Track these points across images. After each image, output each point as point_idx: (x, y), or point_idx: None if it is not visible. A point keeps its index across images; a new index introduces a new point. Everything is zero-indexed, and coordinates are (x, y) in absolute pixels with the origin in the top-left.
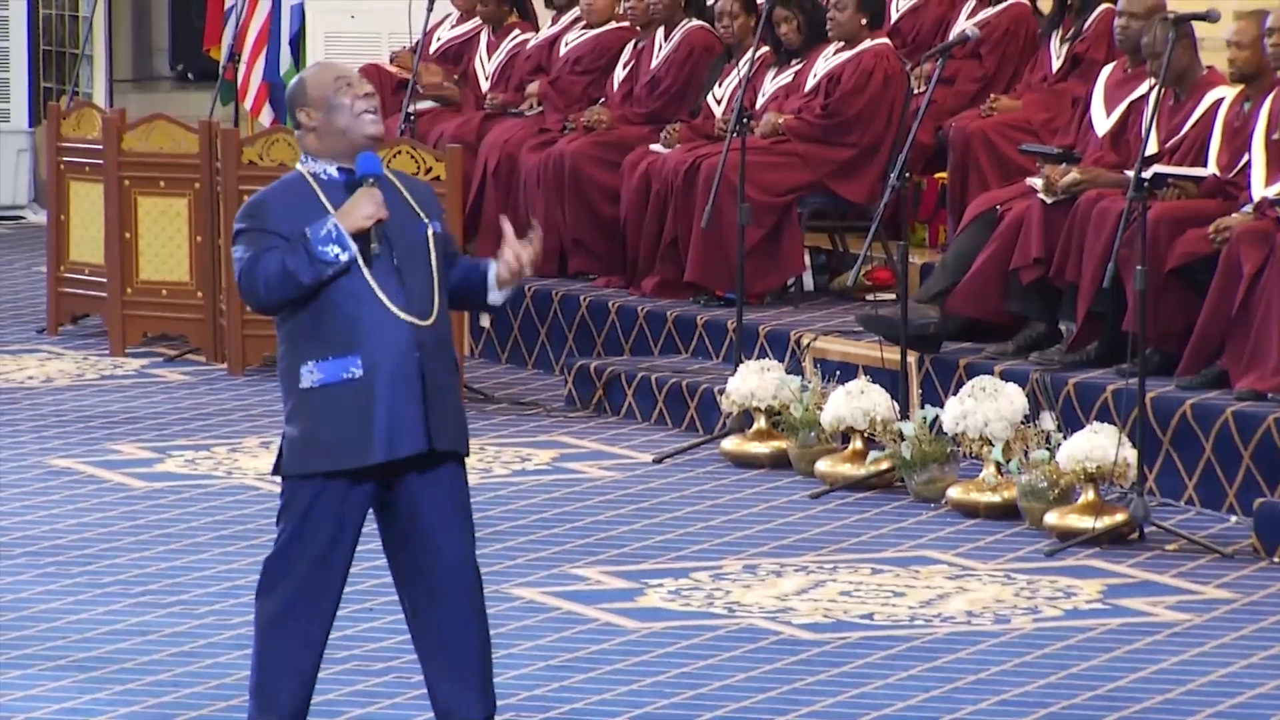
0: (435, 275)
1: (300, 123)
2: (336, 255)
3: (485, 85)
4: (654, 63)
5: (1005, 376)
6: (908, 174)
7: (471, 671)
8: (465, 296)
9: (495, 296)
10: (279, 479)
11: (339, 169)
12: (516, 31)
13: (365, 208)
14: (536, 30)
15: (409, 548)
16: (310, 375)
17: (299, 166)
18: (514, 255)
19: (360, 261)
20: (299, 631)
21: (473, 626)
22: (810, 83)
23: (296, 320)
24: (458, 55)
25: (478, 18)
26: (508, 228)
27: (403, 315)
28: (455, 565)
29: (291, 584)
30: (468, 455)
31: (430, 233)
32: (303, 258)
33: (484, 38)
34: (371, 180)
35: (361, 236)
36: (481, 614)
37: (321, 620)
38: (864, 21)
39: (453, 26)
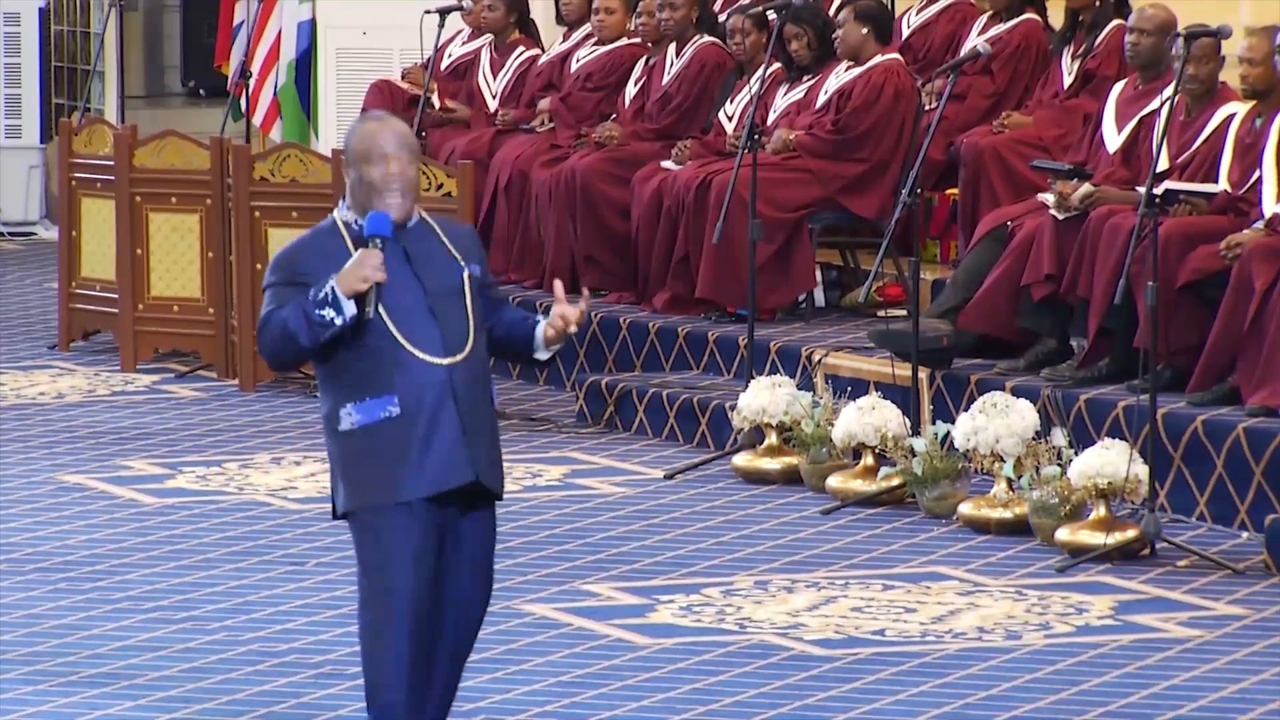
0: (470, 314)
1: (345, 168)
2: (331, 318)
3: (491, 102)
4: (665, 79)
5: (1016, 392)
6: (919, 190)
7: (446, 694)
8: (512, 349)
9: (543, 354)
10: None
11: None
12: (521, 49)
13: (362, 271)
14: (539, 45)
15: (438, 580)
16: (349, 418)
17: (335, 213)
18: (561, 317)
19: (379, 318)
20: (405, 645)
21: (457, 672)
22: (821, 99)
23: (333, 364)
24: (467, 71)
25: (486, 34)
26: (559, 288)
27: (433, 359)
28: (468, 622)
29: (409, 623)
30: (500, 495)
31: (466, 275)
32: (302, 320)
33: (485, 55)
34: (379, 242)
35: (360, 297)
36: (465, 660)
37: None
38: (865, 31)
39: (464, 43)
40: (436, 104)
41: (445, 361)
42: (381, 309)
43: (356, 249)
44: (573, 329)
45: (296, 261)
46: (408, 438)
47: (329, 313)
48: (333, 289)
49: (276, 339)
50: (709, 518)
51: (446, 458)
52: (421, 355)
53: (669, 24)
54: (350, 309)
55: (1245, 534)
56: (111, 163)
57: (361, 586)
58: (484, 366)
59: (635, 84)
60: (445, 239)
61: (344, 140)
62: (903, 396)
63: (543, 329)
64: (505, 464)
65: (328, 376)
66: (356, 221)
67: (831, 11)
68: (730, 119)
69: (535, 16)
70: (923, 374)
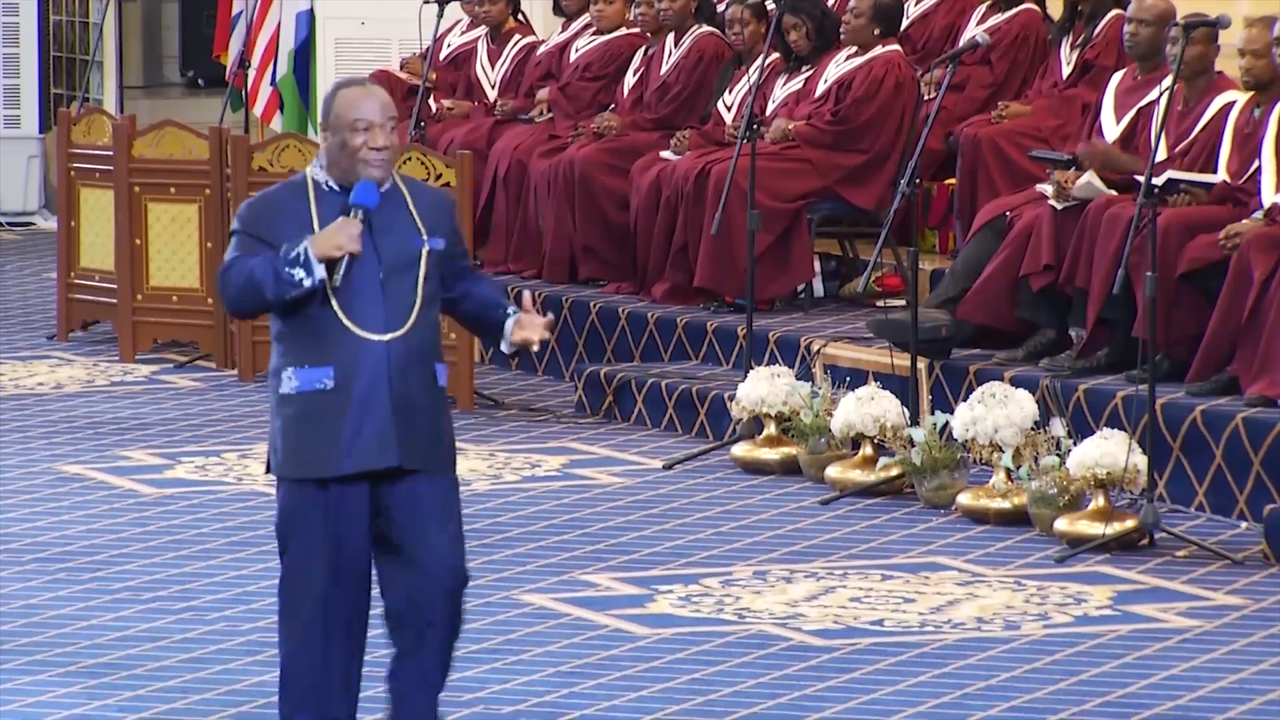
0: (420, 290)
1: (321, 131)
2: (300, 279)
3: (490, 92)
4: (664, 69)
5: (1015, 383)
6: (918, 180)
7: (433, 669)
8: (480, 330)
9: (506, 348)
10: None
11: (340, 185)
12: (517, 37)
13: (338, 238)
14: (533, 33)
15: (390, 556)
16: (289, 381)
17: (308, 170)
18: (524, 340)
19: (326, 288)
20: (326, 648)
21: (442, 652)
22: (821, 89)
23: (281, 326)
24: (466, 62)
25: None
26: (527, 299)
27: (371, 335)
28: (437, 573)
29: (310, 602)
30: (450, 472)
31: (425, 250)
32: (269, 273)
33: (482, 46)
34: (359, 213)
35: (331, 263)
36: (457, 616)
37: (349, 630)
38: (877, 31)
39: (462, 33)
40: (434, 106)
41: (385, 338)
42: (327, 289)
43: (318, 207)
44: (534, 349)
45: (260, 213)
46: (339, 413)
47: (299, 272)
48: (305, 250)
49: (242, 286)
50: (707, 508)
51: (374, 438)
52: (360, 332)
53: (668, 14)
54: (320, 272)
55: (1244, 524)
56: (110, 153)
57: (287, 567)
58: (427, 343)
59: (634, 74)
60: (414, 208)
61: (323, 103)
62: (901, 387)
63: (512, 327)
64: (505, 454)
65: (279, 336)
66: (328, 183)
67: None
68: (729, 109)
69: (534, 6)
70: (921, 364)
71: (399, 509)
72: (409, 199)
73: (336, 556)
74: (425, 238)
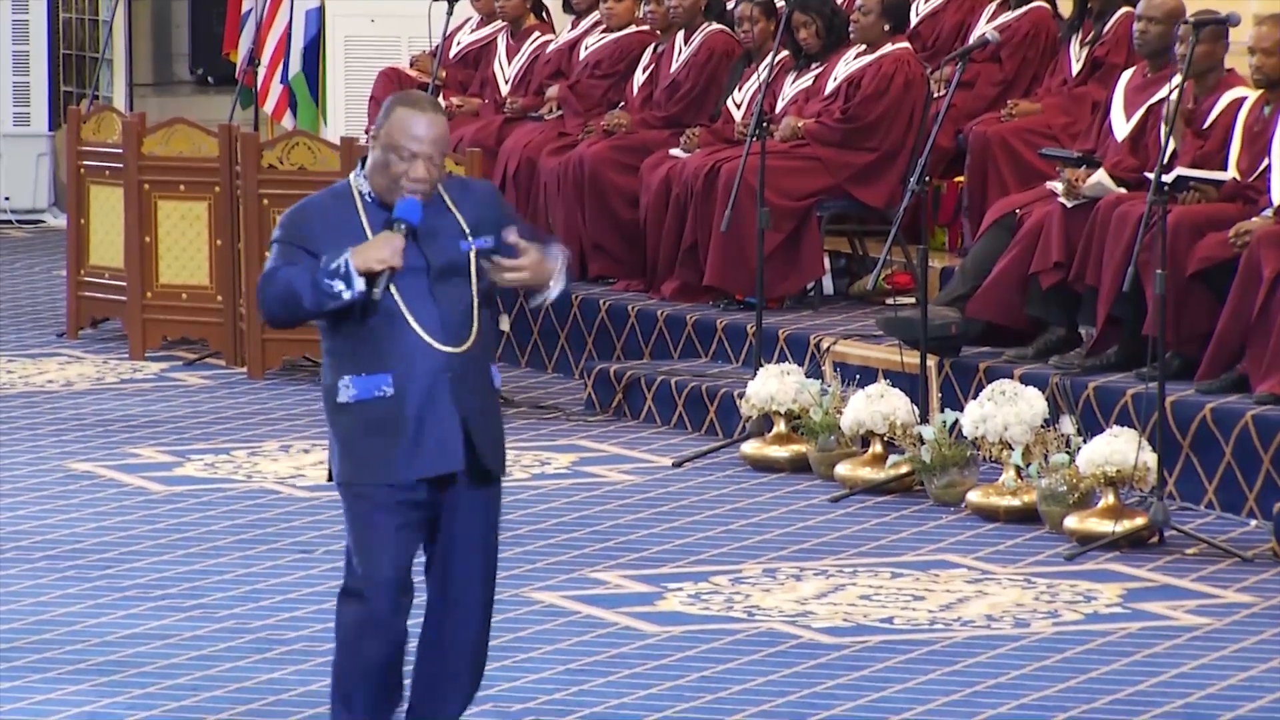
0: (474, 294)
1: (370, 137)
2: (340, 291)
3: (505, 89)
4: (674, 67)
5: (1025, 380)
6: (927, 178)
7: (459, 679)
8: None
9: (536, 300)
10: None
11: (378, 199)
12: (536, 34)
13: (380, 252)
14: (553, 31)
15: (438, 559)
16: (346, 390)
17: (351, 177)
18: (506, 270)
19: (364, 301)
20: (378, 642)
21: (474, 646)
22: (830, 87)
23: (336, 336)
24: (477, 60)
25: (497, 21)
26: (511, 236)
27: (432, 342)
28: (475, 584)
29: (371, 609)
30: (503, 475)
31: (471, 252)
32: (308, 284)
33: (502, 41)
34: (403, 227)
35: (372, 277)
36: (485, 633)
37: (399, 629)
38: (886, 28)
39: (472, 30)
40: (444, 104)
41: (446, 348)
42: (392, 288)
43: (368, 218)
44: (506, 276)
45: (305, 222)
46: (400, 419)
47: (338, 284)
48: (346, 262)
49: (280, 296)
50: (717, 505)
51: (439, 443)
52: (423, 336)
53: (677, 11)
54: (360, 285)
55: (1254, 521)
56: (120, 150)
57: (348, 564)
58: (485, 352)
59: (644, 72)
60: (456, 211)
61: (381, 112)
62: (911, 384)
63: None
64: (514, 452)
65: (332, 347)
66: (370, 194)
67: None
68: (739, 107)
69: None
70: (931, 362)
71: (457, 515)
72: (449, 202)
73: (396, 561)
74: (470, 240)
